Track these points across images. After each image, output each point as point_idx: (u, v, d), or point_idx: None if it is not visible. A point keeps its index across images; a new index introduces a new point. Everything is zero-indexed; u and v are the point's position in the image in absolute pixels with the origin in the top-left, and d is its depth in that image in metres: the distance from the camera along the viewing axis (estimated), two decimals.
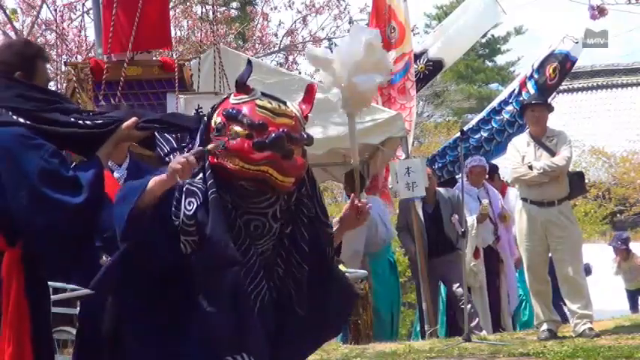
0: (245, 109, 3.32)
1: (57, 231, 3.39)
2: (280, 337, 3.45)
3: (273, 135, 3.27)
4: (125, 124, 3.58)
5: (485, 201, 9.34)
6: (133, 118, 3.60)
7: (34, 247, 3.45)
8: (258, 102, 3.34)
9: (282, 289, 3.43)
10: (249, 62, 3.46)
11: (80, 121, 3.56)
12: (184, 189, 3.30)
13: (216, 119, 3.37)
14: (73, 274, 3.67)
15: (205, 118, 3.43)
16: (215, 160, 3.32)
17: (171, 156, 3.53)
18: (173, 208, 3.30)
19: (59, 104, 3.61)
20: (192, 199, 3.29)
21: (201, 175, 3.33)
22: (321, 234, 3.47)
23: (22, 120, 3.48)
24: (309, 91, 3.50)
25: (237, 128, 3.29)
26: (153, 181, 3.28)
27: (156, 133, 3.63)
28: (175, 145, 3.57)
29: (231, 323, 3.28)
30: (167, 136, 3.60)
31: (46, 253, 3.47)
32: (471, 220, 9.13)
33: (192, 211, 3.27)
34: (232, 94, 3.41)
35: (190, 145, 3.47)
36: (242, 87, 3.38)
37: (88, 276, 3.55)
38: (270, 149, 3.26)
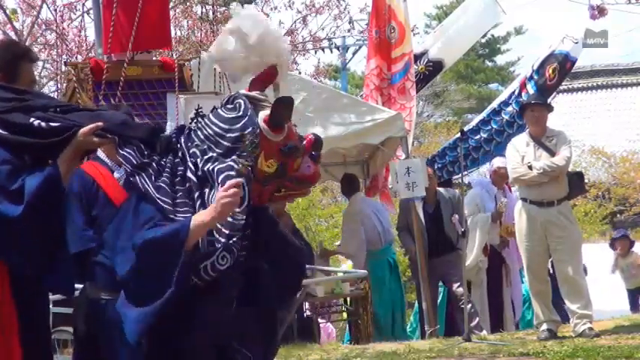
0: (290, 138, 3.29)
1: (4, 241, 3.31)
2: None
3: (315, 140, 3.31)
4: (81, 131, 3.39)
5: (504, 199, 9.41)
6: (91, 125, 3.39)
7: None
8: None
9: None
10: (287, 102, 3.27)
11: (36, 123, 3.39)
12: (222, 243, 3.20)
13: (272, 163, 3.24)
14: (46, 281, 3.51)
15: (238, 169, 3.19)
16: (284, 192, 3.31)
17: (137, 177, 3.28)
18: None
19: (26, 102, 3.46)
20: (228, 256, 3.22)
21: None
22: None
23: None
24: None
25: (299, 159, 3.29)
26: (196, 222, 3.12)
27: (119, 152, 3.41)
28: (135, 163, 3.32)
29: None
30: (126, 154, 3.35)
31: (7, 260, 3.38)
32: (485, 217, 9.28)
33: (224, 267, 3.22)
34: (270, 133, 3.24)
35: (157, 159, 3.31)
36: (281, 127, 3.27)
37: (63, 282, 3.48)
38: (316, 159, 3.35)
